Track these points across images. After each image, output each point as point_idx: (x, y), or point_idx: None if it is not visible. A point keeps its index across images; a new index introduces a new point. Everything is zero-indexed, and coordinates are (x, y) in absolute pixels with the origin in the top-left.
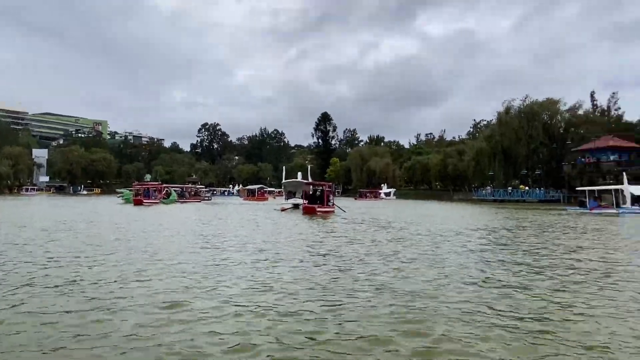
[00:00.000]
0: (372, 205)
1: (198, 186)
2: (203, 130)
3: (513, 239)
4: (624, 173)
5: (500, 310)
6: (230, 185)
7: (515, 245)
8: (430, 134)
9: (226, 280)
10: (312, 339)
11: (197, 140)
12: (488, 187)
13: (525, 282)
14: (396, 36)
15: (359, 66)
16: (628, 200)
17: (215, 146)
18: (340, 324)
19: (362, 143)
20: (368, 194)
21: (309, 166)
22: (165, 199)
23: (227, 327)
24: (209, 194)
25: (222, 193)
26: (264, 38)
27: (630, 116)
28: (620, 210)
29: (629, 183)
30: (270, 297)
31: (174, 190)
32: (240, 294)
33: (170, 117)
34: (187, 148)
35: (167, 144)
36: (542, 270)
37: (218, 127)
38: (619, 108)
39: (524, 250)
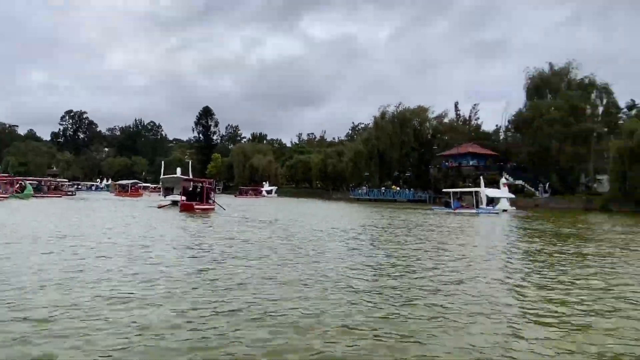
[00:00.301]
0: (254, 203)
1: (59, 179)
2: (67, 117)
3: (388, 236)
4: (481, 177)
5: (377, 305)
6: (99, 180)
7: (390, 243)
8: (312, 134)
9: (92, 288)
10: (187, 350)
11: (60, 129)
12: (364, 187)
13: (398, 277)
14: (281, 35)
15: (243, 62)
16: (484, 201)
17: (81, 136)
18: (221, 333)
19: (244, 140)
20: (250, 192)
21: (189, 161)
22: (19, 193)
23: (94, 344)
24: (72, 189)
25: (89, 188)
26: (142, 23)
27: (487, 126)
28: (479, 210)
29: (485, 186)
30: (140, 305)
31: (29, 183)
32: (109, 304)
33: (27, 101)
34: (47, 137)
35: (21, 131)
36: (412, 265)
37: (85, 115)
38: (479, 118)
39: (398, 247)
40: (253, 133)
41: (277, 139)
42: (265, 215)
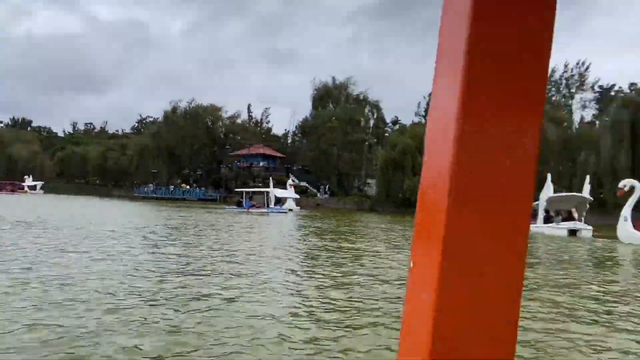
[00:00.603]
0: (13, 200)
1: None
2: None
3: (178, 237)
4: (271, 178)
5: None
6: None
7: (180, 243)
8: (91, 124)
9: None
10: None
11: None
12: (151, 185)
13: (188, 278)
14: (56, 8)
15: (4, 33)
16: (273, 201)
17: None
18: None
19: (1, 125)
20: (7, 187)
21: None
22: None
23: None
24: None
25: None
26: None
27: (277, 130)
28: (269, 210)
29: (274, 186)
30: None
31: None
32: None
33: None
34: None
35: None
36: (205, 266)
37: None
38: (270, 122)
39: (187, 248)
40: (13, 117)
41: (45, 127)
42: (25, 214)
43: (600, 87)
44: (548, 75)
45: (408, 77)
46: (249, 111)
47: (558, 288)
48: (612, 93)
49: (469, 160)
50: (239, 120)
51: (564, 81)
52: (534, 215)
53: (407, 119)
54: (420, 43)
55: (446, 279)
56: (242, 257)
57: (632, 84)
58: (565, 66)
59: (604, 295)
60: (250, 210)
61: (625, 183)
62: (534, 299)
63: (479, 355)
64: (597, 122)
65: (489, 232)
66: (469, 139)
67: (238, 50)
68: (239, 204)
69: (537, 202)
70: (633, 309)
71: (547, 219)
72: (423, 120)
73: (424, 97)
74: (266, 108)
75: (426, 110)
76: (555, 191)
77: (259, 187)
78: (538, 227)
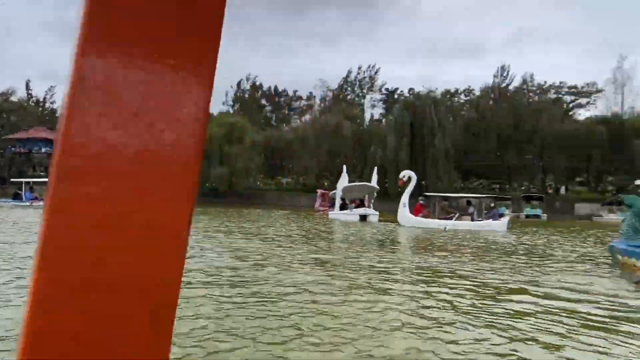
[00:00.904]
0: None
1: None
2: None
3: None
4: None
5: None
6: None
7: None
8: None
9: None
10: None
11: None
12: None
13: None
14: None
15: None
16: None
17: None
18: None
19: None
20: None
21: None
22: None
23: None
24: None
25: None
26: None
27: None
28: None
29: None
30: None
31: None
32: None
33: None
34: None
35: None
36: None
37: None
38: (55, 101)
39: None
40: None
41: None
42: None
43: (387, 89)
44: (219, 46)
45: (218, 65)
46: (28, 88)
47: (355, 267)
48: (396, 96)
49: (83, 132)
50: (14, 98)
51: (357, 82)
52: (333, 204)
53: (214, 108)
54: None
55: (43, 274)
56: (28, 263)
57: (410, 89)
58: (359, 69)
59: (387, 268)
60: (33, 203)
61: (405, 174)
62: (350, 282)
63: (109, 355)
64: (384, 120)
65: (117, 214)
66: (84, 107)
67: (15, 18)
68: (17, 196)
69: (334, 192)
70: (411, 282)
71: (343, 206)
72: (231, 110)
73: (232, 87)
74: (51, 86)
75: (233, 100)
76: (349, 181)
77: (41, 176)
78: (336, 213)
